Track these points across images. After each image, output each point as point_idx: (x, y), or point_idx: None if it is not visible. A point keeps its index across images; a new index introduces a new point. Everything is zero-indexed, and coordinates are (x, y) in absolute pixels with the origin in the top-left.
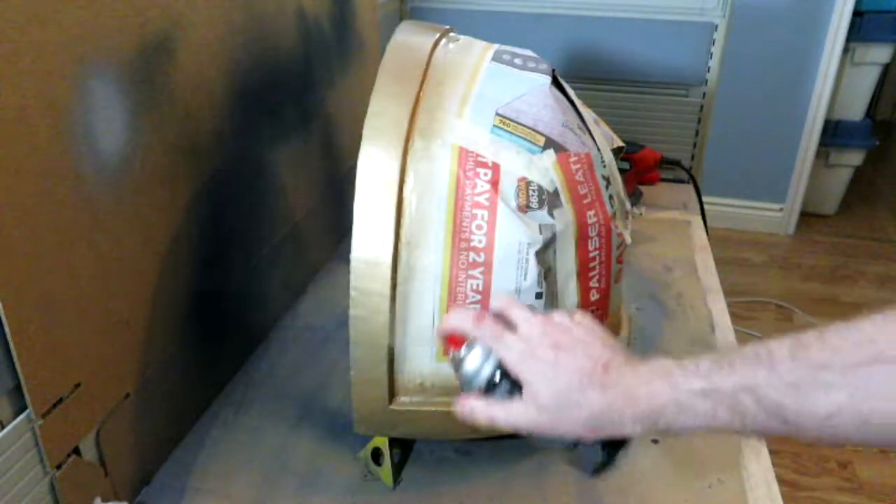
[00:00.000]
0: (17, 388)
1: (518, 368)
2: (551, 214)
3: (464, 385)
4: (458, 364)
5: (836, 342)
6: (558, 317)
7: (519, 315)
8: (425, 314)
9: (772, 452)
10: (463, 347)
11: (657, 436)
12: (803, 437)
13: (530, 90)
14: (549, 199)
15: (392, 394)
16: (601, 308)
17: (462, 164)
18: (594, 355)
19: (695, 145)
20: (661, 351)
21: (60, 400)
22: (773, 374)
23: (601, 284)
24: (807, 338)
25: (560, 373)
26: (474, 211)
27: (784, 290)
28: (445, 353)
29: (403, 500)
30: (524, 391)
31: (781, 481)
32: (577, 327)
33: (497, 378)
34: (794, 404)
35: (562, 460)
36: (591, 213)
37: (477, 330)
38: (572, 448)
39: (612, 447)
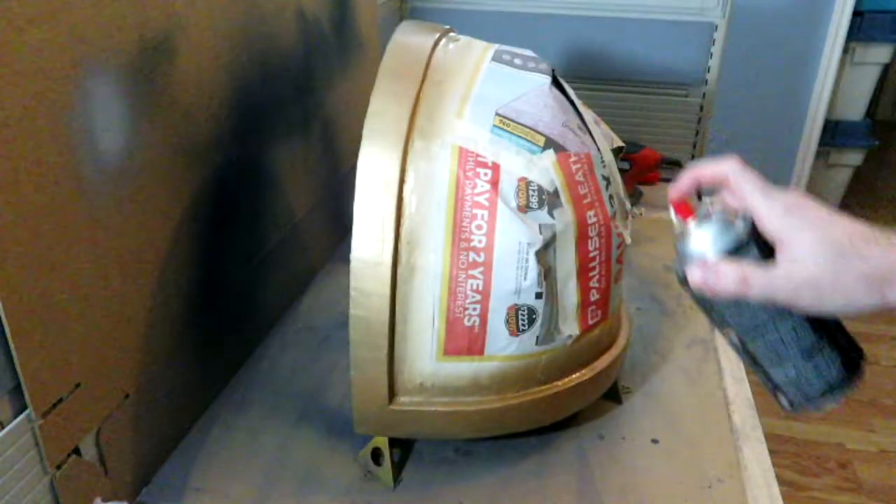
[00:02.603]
0: (17, 388)
1: (782, 223)
2: (551, 214)
3: (706, 247)
4: (702, 220)
5: None
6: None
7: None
8: (425, 314)
9: (772, 452)
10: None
11: None
12: None
13: (530, 90)
14: (549, 199)
15: (392, 394)
16: (601, 308)
17: (462, 164)
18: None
19: (695, 145)
20: (661, 353)
21: (60, 400)
22: None
23: (601, 284)
24: None
25: (833, 226)
26: (474, 211)
27: None
28: (680, 214)
29: (403, 500)
30: (783, 252)
31: (781, 481)
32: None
33: (748, 236)
34: None
35: (563, 461)
36: (591, 213)
37: (742, 176)
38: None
39: (851, 359)
